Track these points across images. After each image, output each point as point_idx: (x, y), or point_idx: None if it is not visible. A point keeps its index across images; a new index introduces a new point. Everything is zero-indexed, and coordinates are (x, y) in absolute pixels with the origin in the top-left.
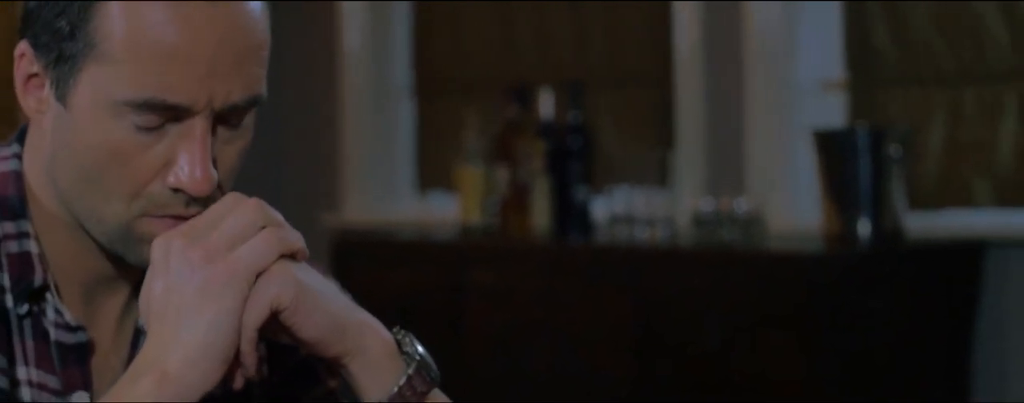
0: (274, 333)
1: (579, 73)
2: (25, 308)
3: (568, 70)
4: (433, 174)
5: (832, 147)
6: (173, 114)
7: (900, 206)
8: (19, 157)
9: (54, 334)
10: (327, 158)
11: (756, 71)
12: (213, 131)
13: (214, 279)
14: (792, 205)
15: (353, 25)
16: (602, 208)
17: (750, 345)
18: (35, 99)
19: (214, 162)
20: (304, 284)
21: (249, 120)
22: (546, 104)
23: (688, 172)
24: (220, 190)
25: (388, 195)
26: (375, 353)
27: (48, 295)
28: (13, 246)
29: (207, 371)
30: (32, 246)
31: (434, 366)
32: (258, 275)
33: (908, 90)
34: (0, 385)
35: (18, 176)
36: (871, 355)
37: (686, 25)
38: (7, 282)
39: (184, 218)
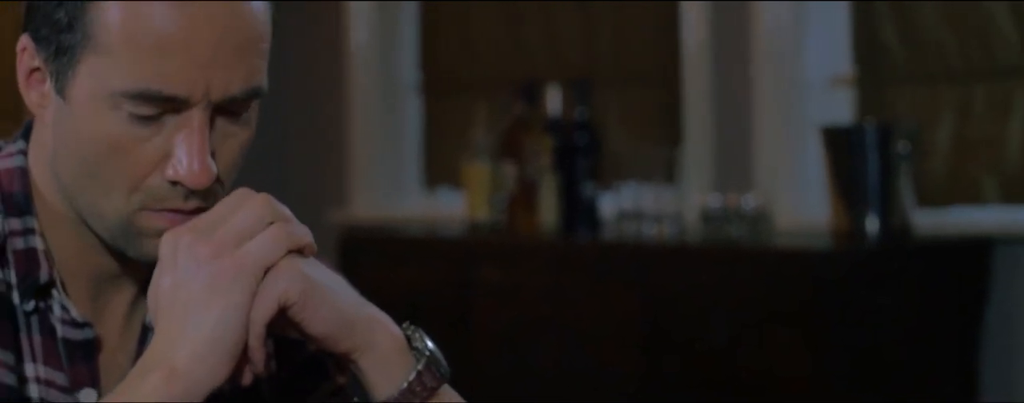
0: (283, 329)
1: (587, 70)
2: (32, 305)
3: (576, 67)
4: (440, 171)
5: (840, 144)
6: (170, 106)
7: (908, 203)
8: (24, 153)
9: (61, 331)
10: (334, 154)
11: (764, 68)
12: (212, 124)
13: (222, 275)
14: (800, 202)
15: (361, 22)
16: (610, 205)
17: (758, 341)
18: (37, 93)
19: (214, 155)
20: (312, 279)
21: (251, 114)
22: (554, 101)
23: (696, 168)
24: (220, 184)
25: (395, 191)
26: (384, 348)
27: (54, 292)
28: (19, 242)
29: (215, 366)
30: (38, 242)
31: (444, 361)
32: (267, 271)
33: (916, 87)
34: (8, 382)
35: (23, 172)
36: (879, 352)
37: (694, 21)
38: (13, 279)
39: (183, 212)
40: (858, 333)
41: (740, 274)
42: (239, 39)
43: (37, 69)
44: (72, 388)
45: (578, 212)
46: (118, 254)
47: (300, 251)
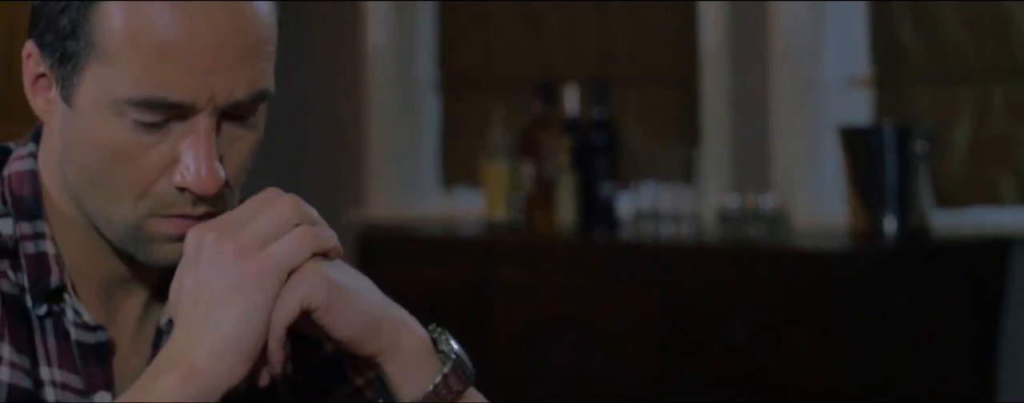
0: (307, 330)
1: (605, 69)
2: (44, 309)
3: (594, 66)
4: (458, 170)
5: (858, 144)
6: (175, 112)
7: (926, 203)
8: (34, 156)
9: (74, 334)
10: (352, 154)
11: (782, 67)
12: (219, 128)
13: (245, 275)
14: (818, 202)
15: (378, 21)
16: (627, 204)
17: (776, 342)
18: (44, 99)
19: (221, 159)
20: (336, 283)
21: (258, 116)
22: (572, 100)
23: (714, 168)
24: (229, 188)
25: (413, 191)
26: (410, 351)
27: (65, 295)
28: (30, 247)
29: (233, 366)
30: (48, 247)
31: (470, 364)
32: (291, 272)
33: (934, 87)
34: (25, 385)
35: (34, 175)
36: (897, 352)
37: (711, 21)
38: (26, 283)
39: (192, 217)
40: (876, 333)
41: (758, 274)
42: (244, 44)
43: (43, 75)
44: (87, 391)
45: (596, 212)
46: (127, 259)
47: (325, 254)
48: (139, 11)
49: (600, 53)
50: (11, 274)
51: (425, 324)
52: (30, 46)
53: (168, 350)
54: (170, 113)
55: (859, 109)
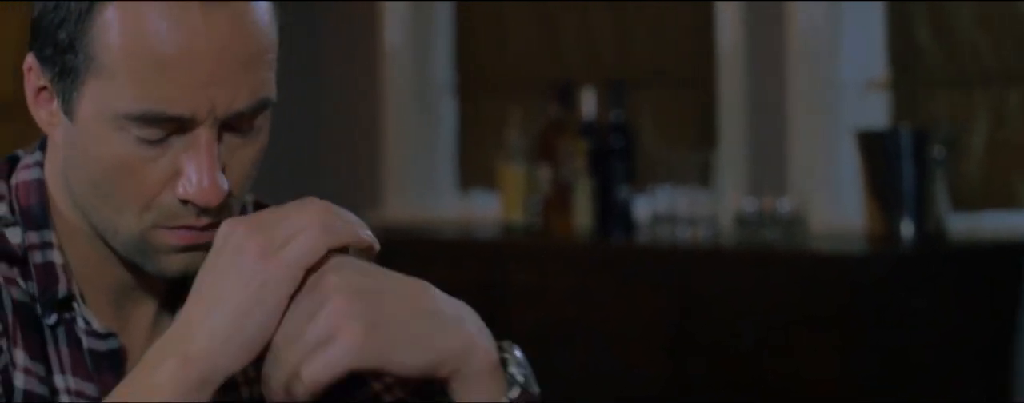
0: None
1: (621, 72)
2: (54, 318)
3: (610, 69)
4: (475, 172)
5: (875, 147)
6: (176, 125)
7: (943, 207)
8: (41, 165)
9: (86, 342)
10: (369, 156)
11: (799, 71)
12: (221, 138)
13: (258, 274)
14: (835, 205)
15: (395, 23)
16: (644, 208)
17: (792, 346)
18: (46, 112)
19: (225, 170)
20: (374, 318)
21: (261, 122)
22: (588, 103)
23: (730, 171)
24: (234, 198)
25: (430, 193)
26: (477, 371)
27: (74, 304)
28: (37, 256)
29: (232, 357)
30: (55, 256)
31: (536, 389)
32: (309, 272)
33: (951, 90)
34: (41, 392)
35: (40, 184)
36: (913, 356)
37: (729, 24)
38: (36, 291)
39: (197, 229)
40: (892, 337)
41: (775, 278)
42: (242, 54)
43: (44, 88)
44: (101, 398)
45: (612, 215)
46: (136, 267)
47: (345, 249)
48: (136, 25)
49: (617, 56)
50: (21, 282)
51: (507, 342)
52: (30, 59)
53: (168, 337)
54: (170, 126)
55: (876, 112)
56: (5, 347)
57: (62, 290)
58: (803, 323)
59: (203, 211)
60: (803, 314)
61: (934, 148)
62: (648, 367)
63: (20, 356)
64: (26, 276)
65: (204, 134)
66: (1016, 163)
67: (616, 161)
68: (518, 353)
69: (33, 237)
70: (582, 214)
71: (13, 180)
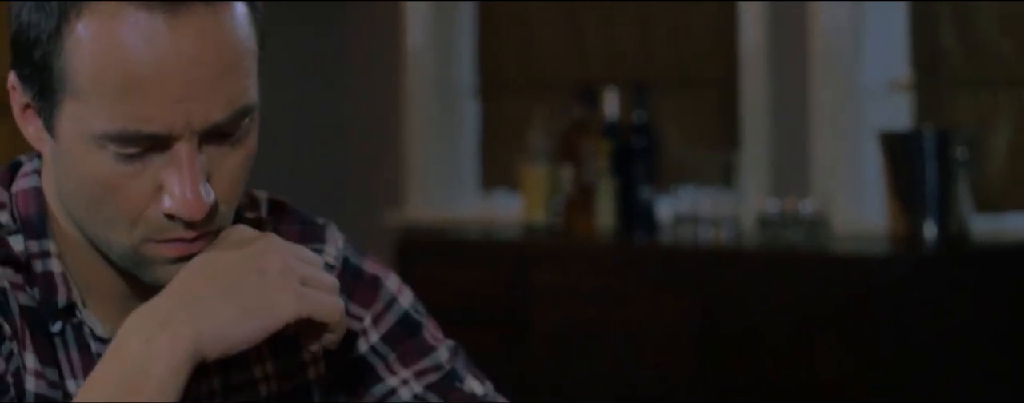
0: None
1: (644, 73)
2: (58, 326)
3: (633, 70)
4: (497, 173)
5: (898, 149)
6: (154, 142)
7: (966, 208)
8: (39, 173)
9: (95, 346)
10: (391, 156)
11: (822, 72)
12: (203, 148)
13: (255, 288)
14: (858, 206)
15: (418, 24)
16: (667, 208)
17: (814, 346)
18: (34, 128)
19: (210, 179)
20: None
21: (247, 127)
22: (611, 104)
23: (753, 172)
24: (226, 204)
25: (452, 193)
26: None
27: (77, 312)
28: (38, 266)
29: (233, 343)
30: (54, 265)
31: None
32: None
33: (975, 92)
34: (55, 397)
35: (38, 193)
36: (935, 357)
37: (752, 25)
38: (40, 299)
39: (188, 241)
40: (915, 338)
41: (797, 279)
42: (214, 66)
43: (29, 105)
44: None
45: (635, 215)
46: (134, 277)
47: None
48: (103, 45)
49: (640, 56)
50: (28, 288)
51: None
52: (13, 78)
53: (148, 310)
54: (148, 143)
55: (899, 113)
56: (16, 351)
57: (62, 300)
58: (825, 324)
59: (192, 224)
60: (825, 315)
61: (957, 149)
62: (670, 367)
63: (31, 360)
64: (31, 283)
65: (184, 148)
66: None
67: (639, 161)
68: None
69: (33, 246)
70: (604, 214)
71: (14, 188)
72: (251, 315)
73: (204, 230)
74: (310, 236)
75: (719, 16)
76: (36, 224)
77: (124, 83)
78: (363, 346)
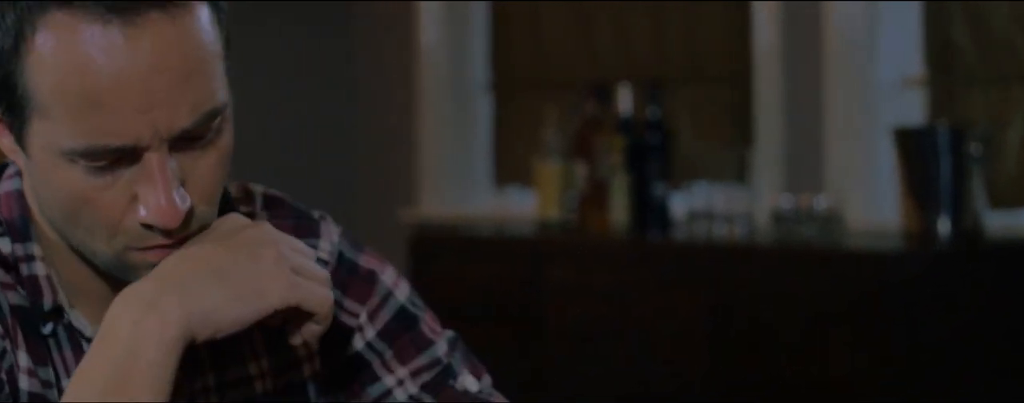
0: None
1: (658, 70)
2: (49, 327)
3: (647, 66)
4: (511, 170)
5: (912, 145)
6: (122, 154)
7: (980, 204)
8: (20, 175)
9: (86, 347)
10: (405, 153)
11: (835, 68)
12: (174, 154)
13: (248, 276)
14: (871, 203)
15: (431, 22)
16: (680, 204)
17: (828, 342)
18: (8, 141)
19: (186, 183)
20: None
21: (217, 127)
22: (625, 100)
23: (767, 169)
24: (206, 204)
25: (466, 190)
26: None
27: (65, 314)
28: (24, 269)
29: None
30: (38, 268)
31: None
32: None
33: (988, 88)
34: (48, 396)
35: (21, 196)
36: (949, 353)
37: (765, 22)
38: (28, 302)
39: (169, 246)
40: (929, 334)
41: (811, 275)
42: (177, 73)
43: (1, 120)
44: None
45: (649, 212)
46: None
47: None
48: (62, 62)
49: (653, 53)
50: (18, 288)
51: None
52: None
53: (135, 293)
54: (117, 156)
55: (913, 110)
56: (8, 349)
57: (48, 303)
58: (839, 320)
59: (169, 231)
60: (839, 311)
61: (971, 145)
62: (684, 363)
63: (23, 358)
64: (21, 283)
65: (154, 157)
66: None
67: (652, 158)
68: None
69: (18, 249)
70: (618, 211)
71: (0, 190)
72: (241, 299)
73: (184, 234)
74: (304, 231)
75: (733, 13)
76: (19, 227)
77: (85, 98)
78: (359, 343)
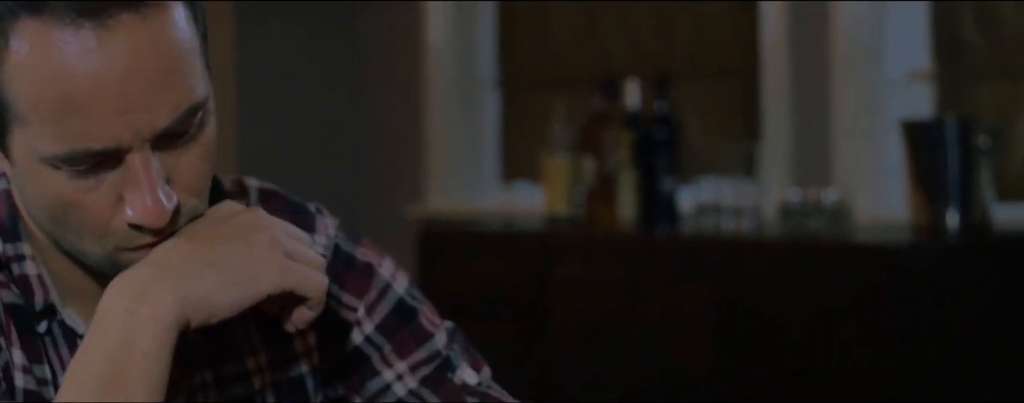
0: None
1: (666, 64)
2: (44, 326)
3: (654, 61)
4: (518, 165)
5: (920, 138)
6: (104, 157)
7: (988, 197)
8: (6, 176)
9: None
10: (413, 149)
11: (843, 61)
12: (157, 152)
13: (244, 261)
14: (879, 196)
15: (438, 18)
16: (688, 199)
17: (836, 335)
18: None
19: (171, 180)
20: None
21: (199, 121)
22: (633, 95)
23: (775, 162)
24: (195, 197)
25: (474, 186)
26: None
27: (58, 312)
28: (15, 268)
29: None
30: (29, 268)
31: None
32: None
33: (996, 81)
34: (42, 394)
35: (8, 195)
36: (957, 346)
37: (773, 15)
38: (22, 300)
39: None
40: (937, 327)
41: (819, 269)
42: (153, 74)
43: None
44: None
45: (657, 206)
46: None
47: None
48: (37, 69)
49: (660, 48)
50: (12, 286)
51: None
52: None
53: (127, 281)
54: (99, 159)
55: (921, 103)
56: (3, 345)
57: (40, 302)
58: (847, 314)
59: (157, 229)
60: (847, 305)
61: (979, 138)
62: (692, 357)
63: (18, 355)
64: (12, 282)
65: (136, 158)
66: None
67: (660, 152)
68: None
69: (9, 249)
70: (626, 205)
71: None
72: (235, 284)
73: (173, 229)
74: (299, 225)
75: (740, 6)
76: (9, 227)
77: (63, 104)
78: (358, 337)
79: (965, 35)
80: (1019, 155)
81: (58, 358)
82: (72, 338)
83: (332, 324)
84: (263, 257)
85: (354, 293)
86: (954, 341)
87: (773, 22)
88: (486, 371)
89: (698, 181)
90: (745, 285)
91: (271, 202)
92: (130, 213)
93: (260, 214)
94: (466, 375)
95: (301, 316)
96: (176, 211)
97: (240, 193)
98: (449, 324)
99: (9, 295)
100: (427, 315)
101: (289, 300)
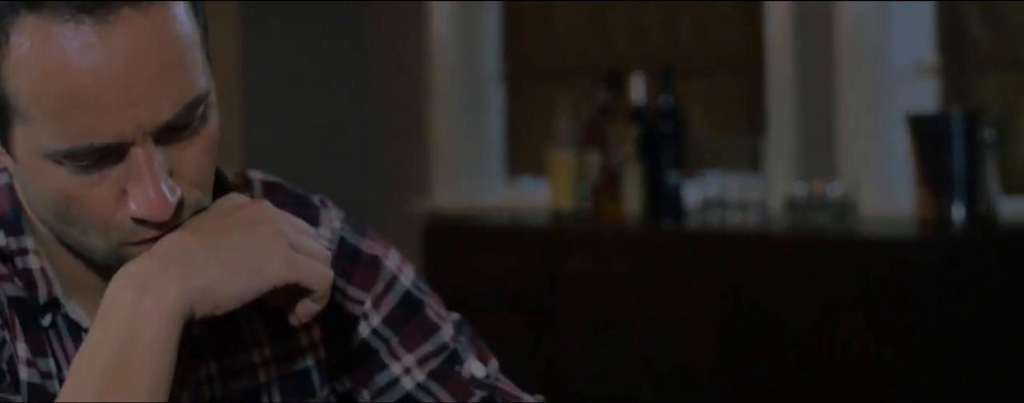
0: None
1: (671, 58)
2: (48, 319)
3: (659, 55)
4: (524, 160)
5: (925, 131)
6: (107, 152)
7: (994, 191)
8: (7, 170)
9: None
10: (418, 144)
11: (848, 55)
12: (160, 146)
13: (248, 251)
14: (885, 189)
15: (443, 12)
16: (694, 193)
17: (842, 330)
18: None
19: (174, 173)
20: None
21: (201, 114)
22: (638, 89)
23: (780, 156)
24: (198, 190)
25: (479, 181)
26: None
27: (61, 306)
28: (18, 262)
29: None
30: (32, 262)
31: None
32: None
33: (1001, 74)
34: (46, 387)
35: (11, 189)
36: (963, 340)
37: (778, 8)
38: (26, 294)
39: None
40: (944, 321)
41: (825, 262)
42: (154, 68)
43: None
44: None
45: (662, 201)
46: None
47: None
48: (38, 65)
49: (666, 42)
50: (15, 279)
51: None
52: None
53: (131, 272)
54: (102, 154)
55: (926, 96)
56: (8, 339)
57: (43, 295)
58: (853, 307)
59: (161, 223)
60: (853, 298)
61: (985, 131)
62: (698, 352)
63: (22, 349)
64: (16, 275)
65: (139, 152)
66: None
67: (666, 147)
68: None
69: (12, 243)
70: (632, 200)
71: None
72: (239, 275)
73: (177, 222)
74: (303, 218)
75: (745, 0)
76: (11, 220)
77: (64, 100)
78: (365, 330)
79: (970, 28)
80: None
81: (62, 351)
82: (76, 331)
83: (339, 317)
84: (268, 249)
85: (360, 286)
86: (960, 334)
87: (778, 16)
88: (493, 363)
89: (704, 175)
90: (751, 279)
91: (275, 195)
92: (134, 207)
93: (265, 206)
94: (474, 368)
95: (305, 309)
96: (180, 204)
97: (244, 186)
98: (456, 316)
99: (13, 289)
100: (434, 307)
101: (294, 293)
